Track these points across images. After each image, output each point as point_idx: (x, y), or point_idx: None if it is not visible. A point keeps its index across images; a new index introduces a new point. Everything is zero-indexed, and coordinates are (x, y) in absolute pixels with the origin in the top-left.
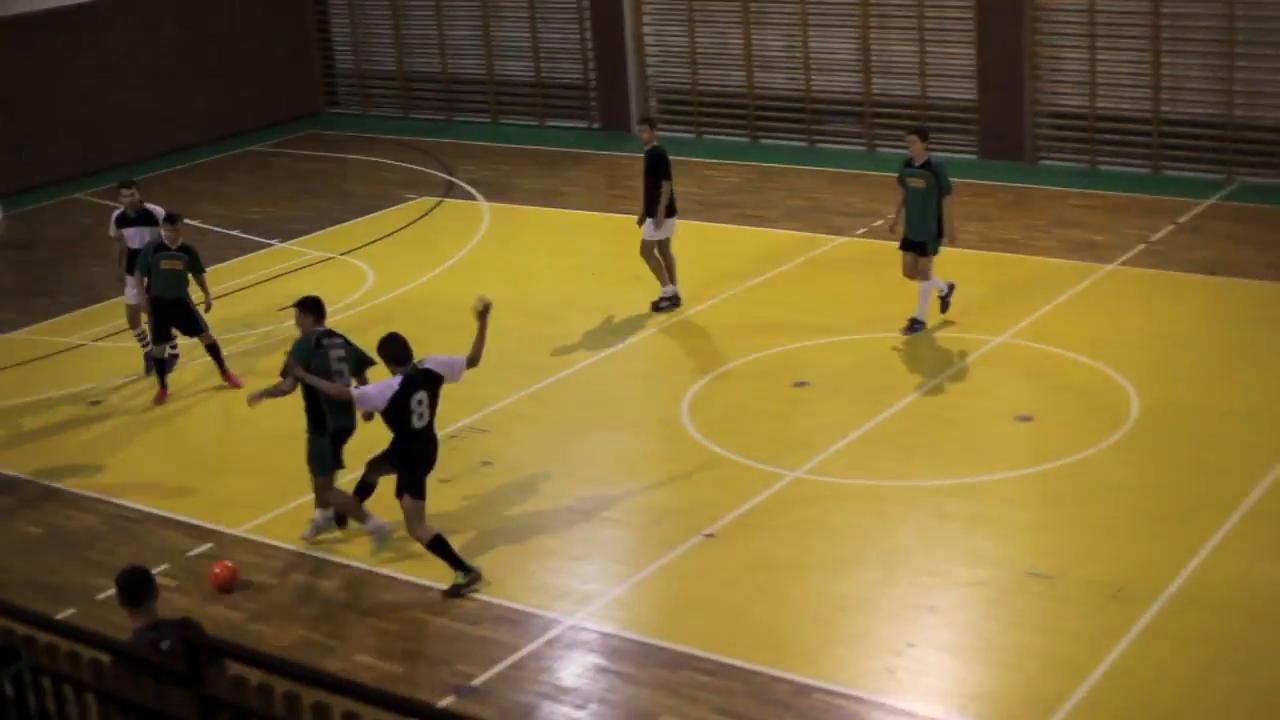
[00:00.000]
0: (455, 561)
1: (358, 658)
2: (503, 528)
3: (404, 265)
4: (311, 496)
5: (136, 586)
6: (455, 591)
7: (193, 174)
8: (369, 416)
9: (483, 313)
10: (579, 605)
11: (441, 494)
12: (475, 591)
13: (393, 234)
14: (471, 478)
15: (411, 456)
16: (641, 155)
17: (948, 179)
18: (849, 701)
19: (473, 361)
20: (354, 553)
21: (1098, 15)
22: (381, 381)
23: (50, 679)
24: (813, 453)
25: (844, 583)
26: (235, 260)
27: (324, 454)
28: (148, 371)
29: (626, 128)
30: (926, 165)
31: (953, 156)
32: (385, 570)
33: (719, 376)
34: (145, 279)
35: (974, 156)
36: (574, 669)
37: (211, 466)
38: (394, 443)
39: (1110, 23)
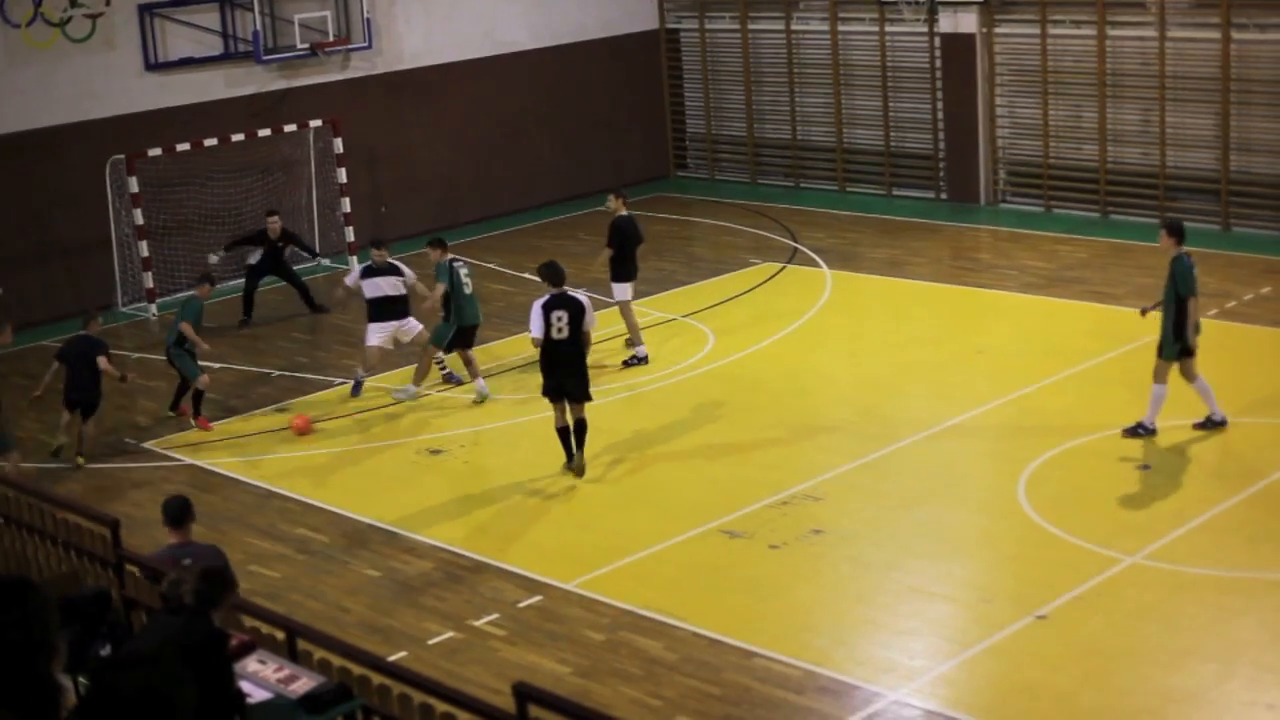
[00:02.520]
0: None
1: (677, 719)
2: (830, 597)
3: (745, 329)
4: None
5: (176, 511)
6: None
7: (544, 231)
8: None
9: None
10: (904, 680)
11: (770, 559)
12: None
13: (735, 298)
14: (801, 545)
15: (549, 361)
16: None
17: (1188, 279)
18: None
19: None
20: (679, 612)
21: None
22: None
23: None
24: (1153, 537)
25: (1177, 675)
26: None
27: (443, 335)
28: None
29: (975, 199)
30: (1178, 260)
31: None
32: (709, 633)
33: (1059, 454)
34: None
35: None
36: None
37: (545, 520)
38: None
39: None
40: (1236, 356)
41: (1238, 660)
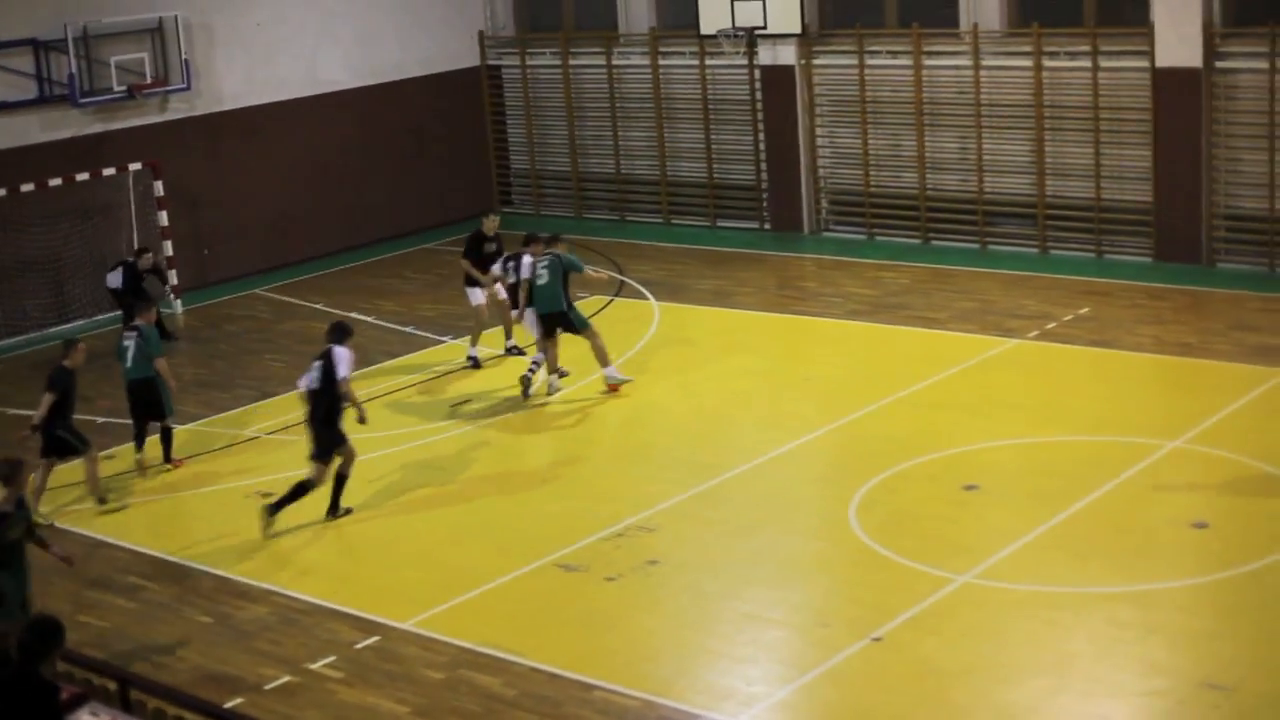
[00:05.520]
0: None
1: None
2: (668, 627)
3: (576, 363)
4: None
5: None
6: None
7: (371, 270)
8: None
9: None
10: (742, 707)
11: (607, 591)
12: None
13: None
14: (637, 576)
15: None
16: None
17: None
18: None
19: None
20: (517, 648)
21: (1277, 116)
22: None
23: None
24: (982, 557)
25: (1013, 691)
26: (408, 356)
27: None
28: (525, 394)
29: (799, 228)
30: None
31: (1127, 259)
32: (548, 668)
33: (888, 479)
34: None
35: (1149, 259)
36: None
37: (380, 559)
38: None
39: None
40: (1057, 377)
41: (1069, 673)
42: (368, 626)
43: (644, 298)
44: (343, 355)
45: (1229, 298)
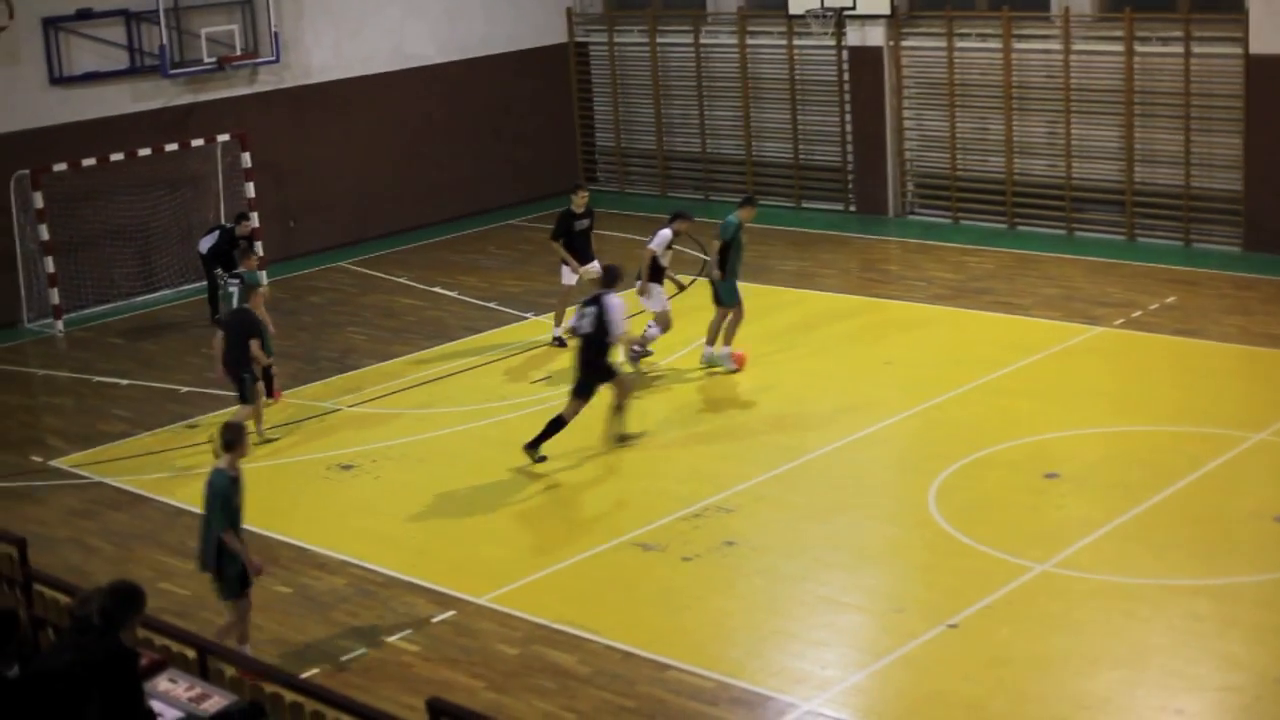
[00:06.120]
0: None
1: None
2: (743, 609)
3: (657, 341)
4: None
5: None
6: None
7: (454, 245)
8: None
9: None
10: (816, 691)
11: (683, 572)
12: None
13: (643, 312)
14: (714, 557)
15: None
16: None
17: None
18: None
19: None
20: (592, 625)
21: None
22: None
23: None
24: (1061, 546)
25: (1088, 681)
26: (490, 332)
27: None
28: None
29: (884, 211)
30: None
31: (1215, 248)
32: (623, 646)
33: (968, 465)
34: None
35: (1238, 248)
36: None
37: (457, 535)
38: None
39: None
40: (1141, 366)
41: (1146, 666)
42: (444, 600)
43: None
44: (616, 306)
45: None
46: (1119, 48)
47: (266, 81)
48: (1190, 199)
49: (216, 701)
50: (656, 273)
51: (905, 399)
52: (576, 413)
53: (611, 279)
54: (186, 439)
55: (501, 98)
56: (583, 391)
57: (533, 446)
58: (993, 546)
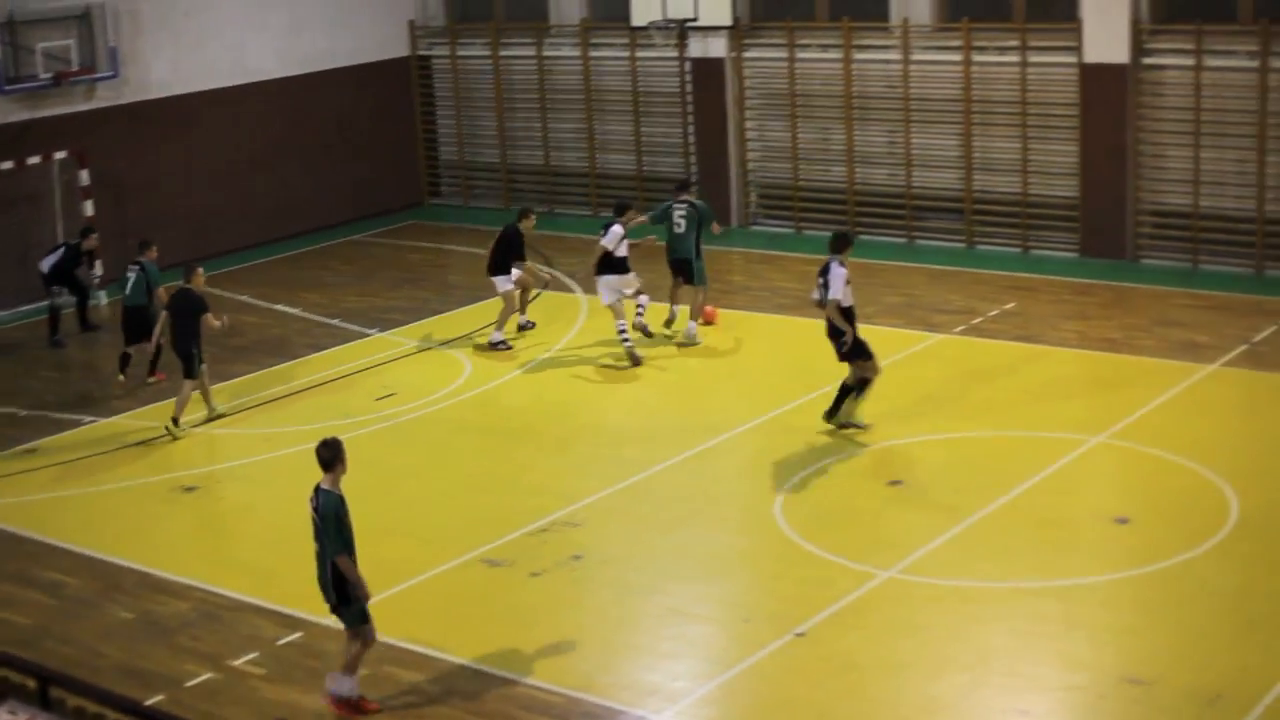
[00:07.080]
0: None
1: None
2: (592, 623)
3: (501, 356)
4: None
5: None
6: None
7: (297, 262)
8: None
9: None
10: (667, 703)
11: (531, 587)
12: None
13: (490, 325)
14: (561, 572)
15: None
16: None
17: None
18: None
19: None
20: (441, 644)
21: (1202, 114)
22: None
23: None
24: (906, 552)
25: (934, 684)
26: (333, 349)
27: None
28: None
29: (728, 222)
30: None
31: (1053, 254)
32: (472, 663)
33: (813, 474)
34: None
35: (1075, 254)
36: None
37: (302, 555)
38: None
39: (1215, 120)
40: (982, 372)
41: (990, 668)
42: (290, 622)
43: (571, 291)
44: (837, 274)
45: (1153, 294)
46: (957, 57)
47: (104, 97)
48: (1028, 206)
49: None
50: (614, 265)
51: (751, 409)
52: (868, 370)
53: (840, 244)
54: (25, 465)
55: (344, 112)
56: (848, 358)
57: (830, 415)
58: (839, 554)
